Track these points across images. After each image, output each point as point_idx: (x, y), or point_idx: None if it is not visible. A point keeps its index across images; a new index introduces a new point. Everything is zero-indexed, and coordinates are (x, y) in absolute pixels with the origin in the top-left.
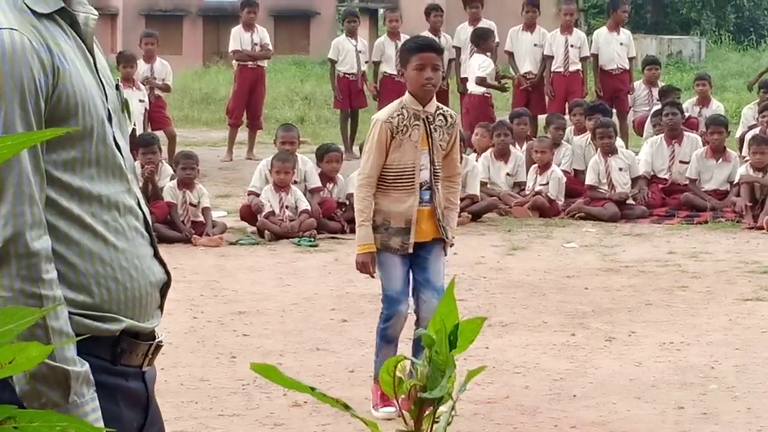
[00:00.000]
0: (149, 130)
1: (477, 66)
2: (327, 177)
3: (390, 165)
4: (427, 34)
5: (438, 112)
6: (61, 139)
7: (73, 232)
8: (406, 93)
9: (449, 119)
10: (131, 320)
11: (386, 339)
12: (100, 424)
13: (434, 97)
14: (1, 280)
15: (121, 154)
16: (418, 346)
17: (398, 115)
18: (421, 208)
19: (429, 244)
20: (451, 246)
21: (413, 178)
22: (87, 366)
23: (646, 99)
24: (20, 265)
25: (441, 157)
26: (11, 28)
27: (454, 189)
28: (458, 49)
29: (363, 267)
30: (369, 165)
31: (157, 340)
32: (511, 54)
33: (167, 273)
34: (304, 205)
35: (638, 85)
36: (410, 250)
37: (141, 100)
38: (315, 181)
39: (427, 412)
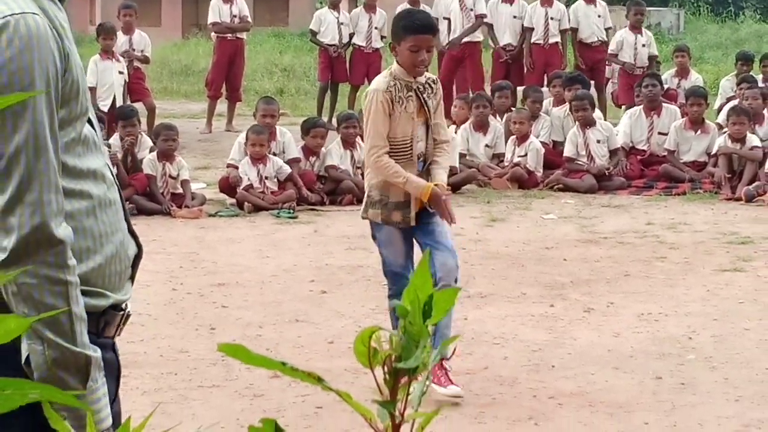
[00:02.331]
0: (128, 102)
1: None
2: (310, 151)
3: (391, 137)
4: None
5: (426, 81)
6: (64, 123)
7: (69, 209)
8: (395, 64)
9: (434, 85)
10: (114, 294)
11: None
12: (108, 408)
13: None
14: (27, 267)
15: (93, 127)
16: (394, 316)
17: (393, 84)
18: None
19: (427, 211)
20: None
21: (410, 150)
22: (99, 351)
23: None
24: (47, 253)
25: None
26: (34, 13)
27: (442, 153)
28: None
29: (440, 203)
30: (376, 135)
31: (127, 310)
32: (490, 26)
33: (139, 245)
34: (287, 170)
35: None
36: (413, 223)
37: (120, 72)
38: (293, 152)
39: (402, 382)
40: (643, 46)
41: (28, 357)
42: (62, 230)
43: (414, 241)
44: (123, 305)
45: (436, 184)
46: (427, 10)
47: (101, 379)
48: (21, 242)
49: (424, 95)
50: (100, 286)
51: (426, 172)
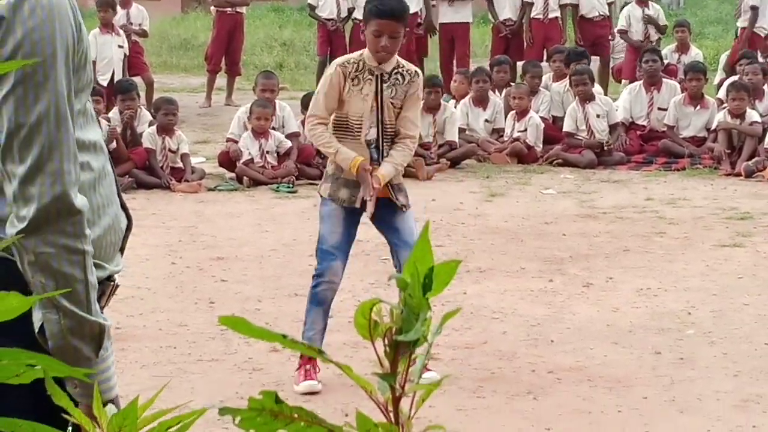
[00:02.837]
0: (128, 76)
1: None
2: None
3: (340, 115)
4: None
5: (395, 70)
6: (74, 93)
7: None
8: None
9: (407, 77)
10: (109, 266)
11: (317, 301)
12: (116, 376)
13: (394, 57)
14: (46, 236)
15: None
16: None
17: (354, 63)
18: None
19: (387, 203)
20: (402, 209)
21: (360, 132)
22: (110, 320)
23: (622, 46)
24: (66, 222)
25: (393, 116)
26: None
27: (400, 148)
28: None
29: (363, 175)
30: (316, 105)
31: (116, 281)
32: (490, 1)
33: (129, 217)
34: (288, 144)
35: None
36: (357, 205)
37: (120, 46)
38: (292, 126)
39: (402, 355)
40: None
41: (42, 326)
42: (80, 200)
43: (356, 229)
44: (113, 276)
45: (375, 176)
46: None
47: (111, 348)
48: (41, 211)
49: (385, 84)
50: (97, 257)
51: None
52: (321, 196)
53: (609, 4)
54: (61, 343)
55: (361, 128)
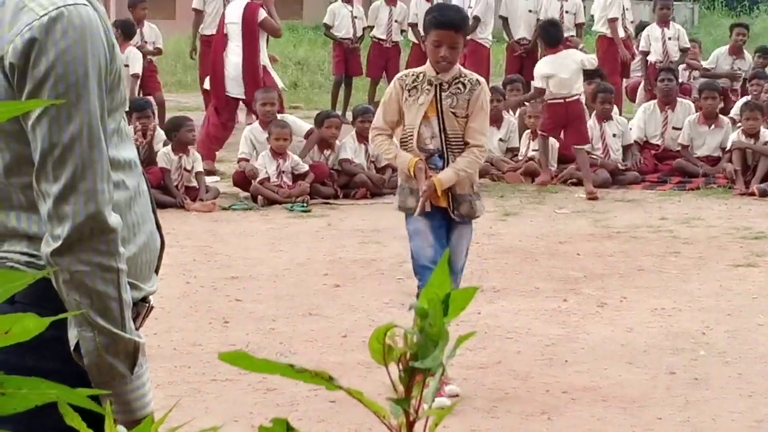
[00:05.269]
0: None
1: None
2: (325, 143)
3: (404, 127)
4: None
5: (456, 80)
6: (107, 112)
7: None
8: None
9: (468, 86)
10: (145, 286)
11: None
12: (151, 393)
13: (455, 67)
14: (80, 254)
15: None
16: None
17: (413, 75)
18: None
19: (445, 216)
20: (457, 217)
21: (411, 139)
22: (144, 338)
23: (639, 65)
24: (100, 241)
25: (457, 126)
26: (85, 4)
27: (465, 155)
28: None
29: (419, 174)
30: (378, 118)
31: (151, 302)
32: (505, 19)
33: (162, 237)
34: (304, 167)
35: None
36: (428, 209)
37: (125, 65)
38: (305, 127)
39: (417, 381)
40: (670, 39)
41: (77, 344)
42: (114, 218)
43: (445, 231)
44: (149, 298)
45: (431, 179)
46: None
47: (146, 365)
48: (75, 230)
49: (444, 93)
50: (132, 277)
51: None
52: (401, 210)
53: (631, 23)
54: (97, 360)
55: (412, 136)
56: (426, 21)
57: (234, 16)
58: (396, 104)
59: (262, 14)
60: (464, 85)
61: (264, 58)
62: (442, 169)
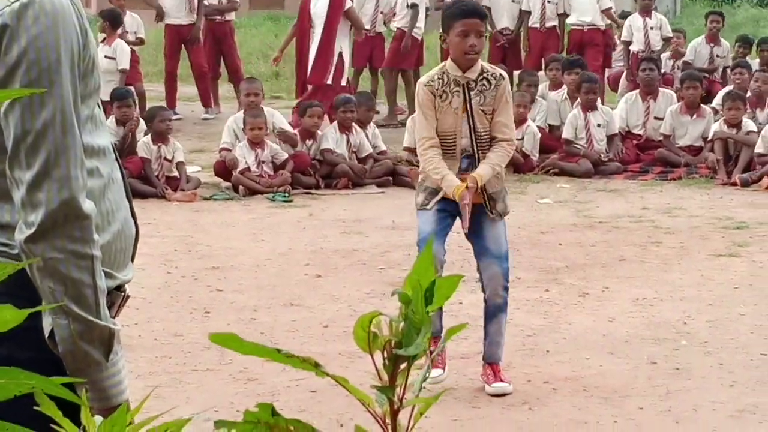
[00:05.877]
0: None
1: None
2: (308, 132)
3: (439, 132)
4: None
5: (481, 77)
6: (81, 99)
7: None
8: (449, 59)
9: (493, 81)
10: (119, 274)
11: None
12: (127, 380)
13: (478, 62)
14: (54, 241)
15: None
16: (488, 314)
17: (438, 79)
18: (461, 176)
19: (479, 211)
20: (495, 216)
21: (454, 145)
22: (119, 324)
23: (621, 55)
24: (74, 227)
25: (486, 123)
26: None
27: (496, 150)
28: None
29: (463, 207)
30: (421, 127)
31: (127, 291)
32: (488, 9)
33: (136, 226)
34: (284, 155)
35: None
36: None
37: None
38: (285, 125)
39: (401, 368)
40: (652, 29)
41: (52, 331)
42: (88, 205)
43: (450, 228)
44: (124, 287)
45: (471, 175)
46: None
47: (120, 352)
48: (49, 217)
49: (472, 92)
50: (107, 265)
51: (473, 169)
52: (423, 207)
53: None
54: (71, 347)
55: (455, 142)
56: (448, 14)
57: (320, 4)
58: (433, 110)
59: (348, 3)
60: (489, 82)
61: (342, 46)
62: (467, 169)
